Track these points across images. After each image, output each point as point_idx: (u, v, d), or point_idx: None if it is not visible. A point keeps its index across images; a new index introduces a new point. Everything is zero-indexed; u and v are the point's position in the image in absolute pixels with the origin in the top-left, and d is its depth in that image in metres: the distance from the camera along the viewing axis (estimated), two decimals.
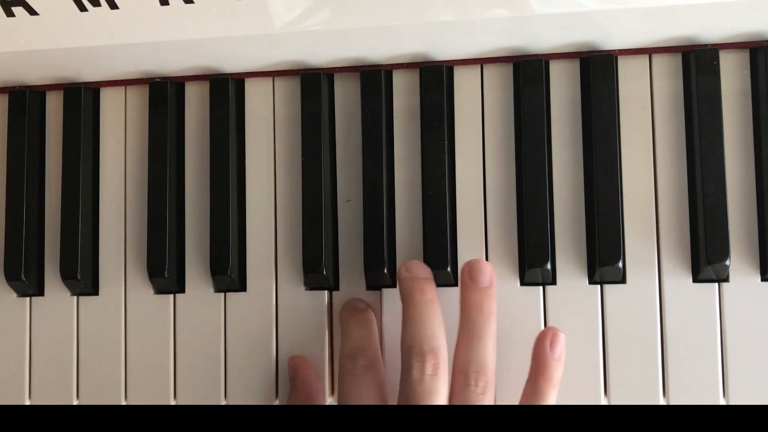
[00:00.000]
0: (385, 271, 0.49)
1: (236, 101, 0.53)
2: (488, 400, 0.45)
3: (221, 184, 0.51)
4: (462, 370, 0.45)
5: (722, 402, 0.47)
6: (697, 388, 0.47)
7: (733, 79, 0.49)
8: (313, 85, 0.51)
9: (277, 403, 0.48)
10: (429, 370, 0.44)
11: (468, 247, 0.50)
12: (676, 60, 0.50)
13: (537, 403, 0.45)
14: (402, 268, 0.48)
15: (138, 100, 0.54)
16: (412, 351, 0.45)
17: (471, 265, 0.47)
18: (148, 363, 0.52)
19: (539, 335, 0.47)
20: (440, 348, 0.45)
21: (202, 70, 0.53)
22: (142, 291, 0.53)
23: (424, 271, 0.48)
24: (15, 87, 0.54)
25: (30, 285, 0.53)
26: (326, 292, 0.51)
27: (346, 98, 0.52)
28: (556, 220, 0.50)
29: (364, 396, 0.46)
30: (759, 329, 0.47)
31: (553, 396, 0.46)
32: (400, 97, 0.52)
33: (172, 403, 0.52)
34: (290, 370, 0.50)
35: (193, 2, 0.45)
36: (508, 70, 0.51)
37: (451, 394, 0.45)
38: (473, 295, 0.47)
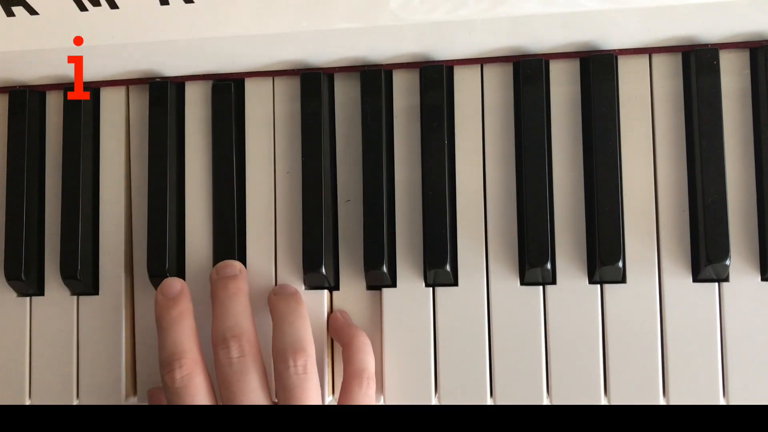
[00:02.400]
0: (385, 270, 0.49)
1: (236, 101, 0.53)
2: (310, 379, 0.46)
3: (221, 184, 0.51)
4: (280, 355, 0.47)
5: (722, 402, 0.47)
6: (697, 388, 0.47)
7: (733, 78, 0.49)
8: (313, 84, 0.51)
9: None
10: (235, 353, 0.46)
11: (468, 246, 0.50)
12: (676, 60, 0.50)
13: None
14: (213, 271, 0.50)
15: (138, 100, 0.54)
16: (217, 341, 0.47)
17: (279, 289, 0.50)
18: (148, 363, 0.52)
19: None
20: (243, 333, 0.47)
21: (202, 69, 0.53)
22: (142, 291, 0.53)
23: (231, 270, 0.49)
24: (15, 87, 0.54)
25: (30, 285, 0.53)
26: (326, 291, 0.51)
27: (346, 98, 0.52)
28: (556, 220, 0.50)
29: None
30: (759, 329, 0.47)
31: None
32: (400, 97, 0.52)
33: None
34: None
35: (193, 2, 0.45)
36: (508, 70, 0.51)
37: (275, 378, 0.47)
38: (276, 297, 0.49)
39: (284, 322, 0.48)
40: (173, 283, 0.49)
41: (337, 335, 0.50)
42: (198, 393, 0.46)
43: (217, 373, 0.47)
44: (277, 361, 0.47)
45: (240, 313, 0.48)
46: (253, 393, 0.46)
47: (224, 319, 0.47)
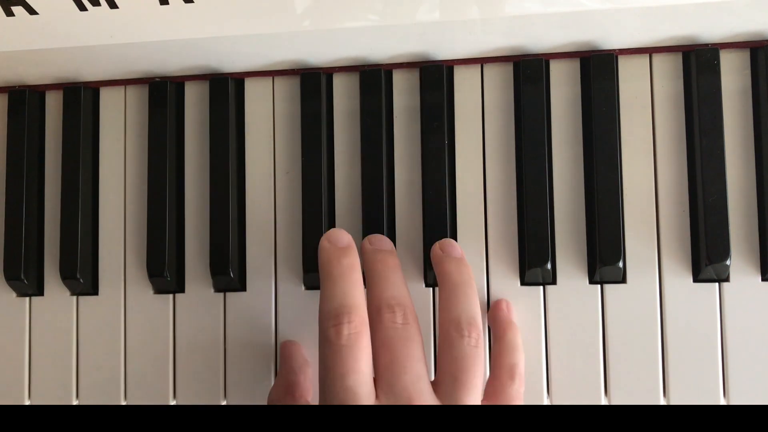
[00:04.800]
0: None
1: (236, 101, 0.53)
2: (481, 354, 0.44)
3: (221, 184, 0.51)
4: (454, 323, 0.44)
5: (722, 402, 0.47)
6: (697, 388, 0.48)
7: (733, 78, 0.49)
8: (312, 84, 0.51)
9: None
10: (399, 319, 0.44)
11: (468, 246, 0.50)
12: (677, 59, 0.50)
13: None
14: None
15: (138, 99, 0.54)
16: (380, 306, 0.44)
17: (441, 243, 0.48)
18: (148, 363, 0.52)
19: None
20: (407, 304, 0.45)
21: (202, 69, 0.53)
22: (142, 291, 0.53)
23: (387, 244, 0.47)
24: (15, 87, 0.54)
25: (30, 285, 0.53)
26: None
27: (346, 98, 0.52)
28: (556, 220, 0.50)
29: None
30: (759, 329, 0.47)
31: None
32: (400, 97, 0.52)
33: (172, 403, 0.52)
34: (281, 353, 0.50)
35: (193, 2, 0.45)
36: (508, 69, 0.51)
37: (442, 347, 0.45)
38: (450, 262, 0.46)
39: (459, 293, 0.45)
40: (341, 234, 0.46)
41: (494, 324, 0.48)
42: (362, 355, 0.42)
43: (379, 336, 0.44)
44: (450, 329, 0.44)
45: (402, 285, 0.46)
46: (418, 362, 0.43)
47: (386, 289, 0.45)
